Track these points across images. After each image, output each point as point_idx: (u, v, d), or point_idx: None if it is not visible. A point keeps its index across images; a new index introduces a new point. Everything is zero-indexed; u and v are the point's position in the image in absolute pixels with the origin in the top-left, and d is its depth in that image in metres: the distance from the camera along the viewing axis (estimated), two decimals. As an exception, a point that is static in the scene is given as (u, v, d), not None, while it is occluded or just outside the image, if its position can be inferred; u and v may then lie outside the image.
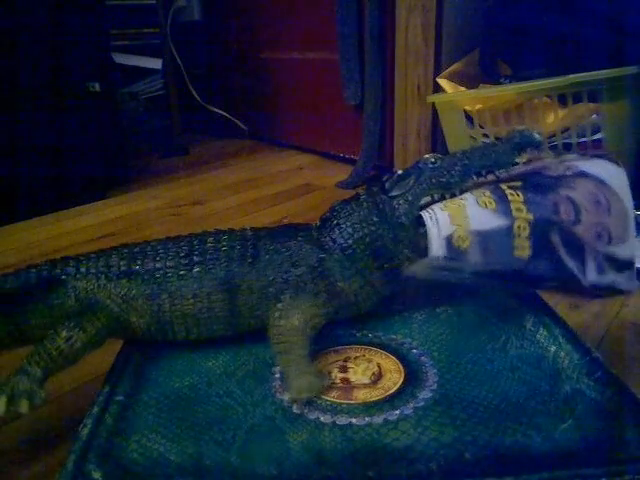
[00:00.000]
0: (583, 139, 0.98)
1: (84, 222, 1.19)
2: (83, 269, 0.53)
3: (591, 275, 0.50)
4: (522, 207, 0.50)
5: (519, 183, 0.52)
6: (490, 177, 0.53)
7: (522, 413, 0.43)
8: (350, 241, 0.54)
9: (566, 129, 1.00)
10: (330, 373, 0.50)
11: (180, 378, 0.51)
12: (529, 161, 0.55)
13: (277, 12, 1.70)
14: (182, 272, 0.52)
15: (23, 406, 0.45)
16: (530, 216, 0.50)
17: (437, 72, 1.23)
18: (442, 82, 1.19)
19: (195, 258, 0.53)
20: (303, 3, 1.59)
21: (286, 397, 0.47)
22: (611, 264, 0.51)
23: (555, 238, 0.50)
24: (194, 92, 1.95)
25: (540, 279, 0.52)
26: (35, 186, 1.24)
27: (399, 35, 1.30)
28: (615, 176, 0.53)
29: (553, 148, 1.00)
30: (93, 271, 0.53)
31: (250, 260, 0.53)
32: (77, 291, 0.53)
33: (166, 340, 0.54)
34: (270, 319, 0.51)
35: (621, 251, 0.51)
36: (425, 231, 0.51)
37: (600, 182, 0.52)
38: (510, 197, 0.51)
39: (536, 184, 0.52)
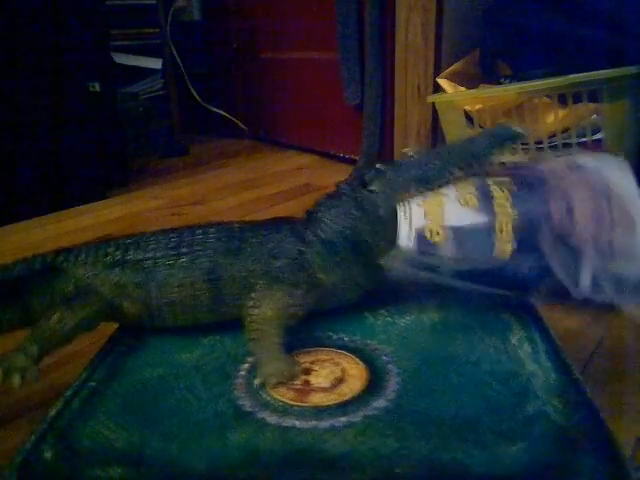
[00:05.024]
0: (583, 139, 0.98)
1: (84, 222, 1.19)
2: (82, 257, 0.57)
3: (584, 289, 0.45)
4: (505, 204, 0.48)
5: (508, 179, 0.51)
6: (471, 170, 0.54)
7: (472, 430, 0.41)
8: (329, 234, 0.56)
9: (566, 129, 0.99)
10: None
11: (152, 369, 0.51)
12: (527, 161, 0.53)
13: (277, 12, 1.70)
14: (169, 262, 0.55)
15: (15, 380, 0.48)
16: (514, 213, 0.48)
17: (437, 72, 1.23)
18: (442, 82, 1.18)
19: (183, 249, 0.56)
20: (303, 3, 1.60)
21: (256, 382, 0.48)
22: (612, 283, 0.43)
23: (546, 240, 0.46)
24: (194, 92, 1.95)
25: (521, 282, 0.49)
26: (35, 186, 1.24)
27: (399, 35, 1.30)
28: (622, 179, 0.47)
29: (553, 148, 1.00)
30: (91, 260, 0.57)
31: (234, 252, 0.55)
32: (76, 278, 0.56)
33: (156, 326, 0.57)
34: (244, 308, 0.53)
35: (628, 270, 0.43)
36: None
37: (603, 186, 0.47)
38: (495, 193, 0.50)
39: (526, 181, 0.51)
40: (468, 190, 0.51)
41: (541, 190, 0.49)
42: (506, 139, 0.54)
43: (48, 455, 0.41)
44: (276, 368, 0.49)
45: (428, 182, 0.54)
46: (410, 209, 0.51)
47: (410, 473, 0.38)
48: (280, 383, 0.48)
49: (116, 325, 0.59)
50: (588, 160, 0.50)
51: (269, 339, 0.51)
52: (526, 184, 0.50)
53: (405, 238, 0.49)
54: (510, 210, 0.48)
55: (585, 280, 0.44)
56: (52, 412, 0.45)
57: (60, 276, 0.56)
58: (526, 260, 0.48)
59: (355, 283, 0.57)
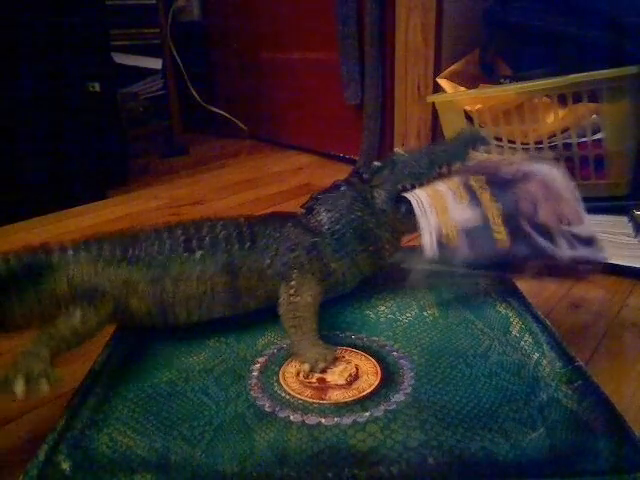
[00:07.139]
0: (583, 139, 0.98)
1: (84, 222, 1.19)
2: (75, 255, 0.54)
3: (565, 251, 0.55)
4: (489, 201, 0.56)
5: (484, 181, 0.58)
6: (446, 169, 0.60)
7: (493, 419, 0.42)
8: (338, 226, 0.59)
9: (566, 129, 0.99)
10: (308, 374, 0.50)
11: (160, 373, 0.51)
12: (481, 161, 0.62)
13: (277, 12, 1.70)
14: (184, 256, 0.55)
15: (43, 386, 0.45)
16: (500, 206, 0.55)
17: (437, 72, 1.23)
18: (442, 82, 1.19)
19: (195, 243, 0.56)
20: (303, 3, 1.60)
21: (304, 367, 0.49)
22: (578, 241, 0.56)
23: (525, 225, 0.55)
24: (194, 92, 1.95)
25: (524, 262, 0.56)
26: (35, 186, 1.24)
27: (399, 35, 1.30)
28: (556, 176, 0.59)
29: (553, 148, 1.00)
30: (87, 257, 0.54)
31: (249, 244, 0.56)
32: (71, 277, 0.53)
33: (166, 324, 0.56)
34: (283, 296, 0.55)
35: (581, 231, 0.57)
36: (403, 214, 0.58)
37: (544, 182, 0.59)
38: (479, 192, 0.56)
39: (497, 182, 0.58)
40: (459, 187, 0.57)
41: (510, 190, 0.57)
42: (477, 142, 0.61)
43: (66, 466, 0.40)
44: (319, 353, 0.50)
45: (419, 177, 0.59)
46: (426, 211, 0.55)
47: (441, 463, 0.39)
48: (327, 367, 0.49)
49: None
50: (534, 167, 0.61)
51: (308, 326, 0.53)
52: (499, 186, 0.57)
53: (429, 248, 0.54)
54: (496, 204, 0.55)
55: (563, 245, 0.55)
56: (60, 422, 0.44)
57: (48, 277, 0.53)
58: (520, 244, 0.54)
59: (359, 271, 0.61)
